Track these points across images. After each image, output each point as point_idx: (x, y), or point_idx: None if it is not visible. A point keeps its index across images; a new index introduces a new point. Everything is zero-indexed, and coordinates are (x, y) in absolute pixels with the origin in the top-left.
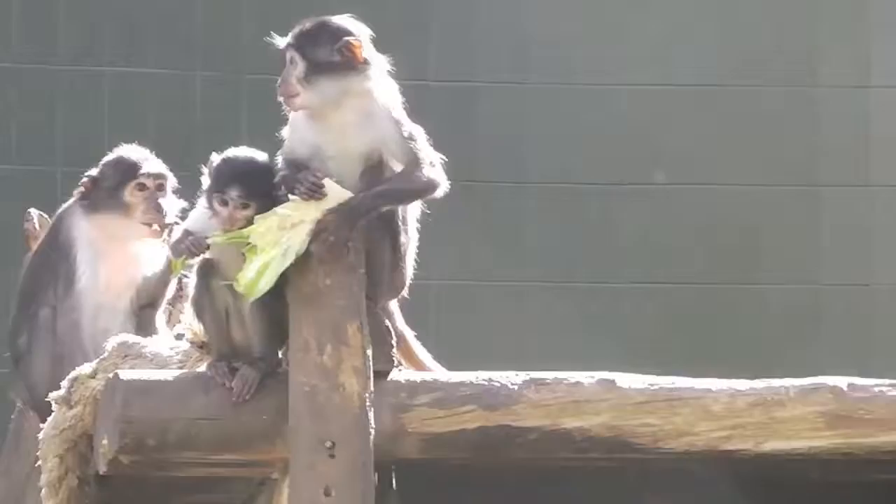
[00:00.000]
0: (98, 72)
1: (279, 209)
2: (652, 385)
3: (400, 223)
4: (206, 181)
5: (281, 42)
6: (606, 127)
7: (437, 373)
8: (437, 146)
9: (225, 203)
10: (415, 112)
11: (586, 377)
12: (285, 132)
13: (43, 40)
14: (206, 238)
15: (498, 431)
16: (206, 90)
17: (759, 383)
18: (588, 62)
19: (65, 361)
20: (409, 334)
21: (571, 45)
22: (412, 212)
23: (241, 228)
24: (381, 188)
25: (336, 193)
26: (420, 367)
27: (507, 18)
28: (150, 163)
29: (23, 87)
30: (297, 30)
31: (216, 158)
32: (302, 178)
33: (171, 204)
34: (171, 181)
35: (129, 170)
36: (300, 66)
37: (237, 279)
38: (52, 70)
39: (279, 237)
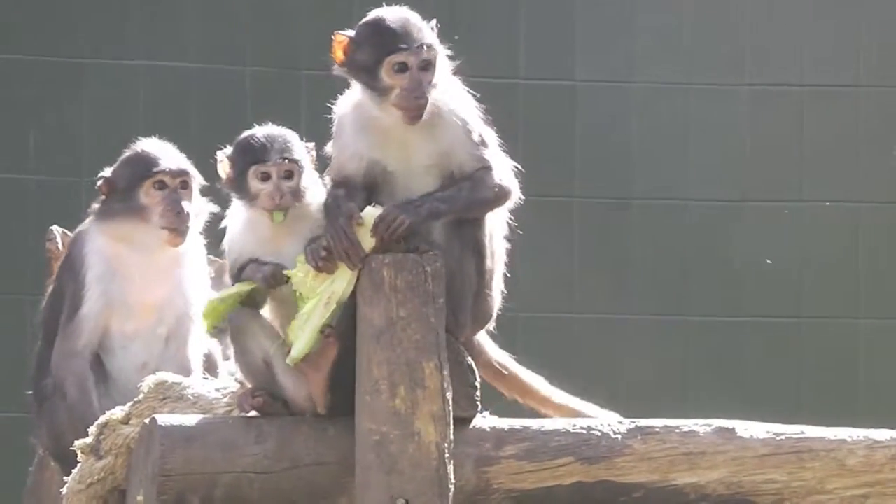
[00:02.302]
0: (130, 66)
1: None
2: (777, 435)
3: (486, 243)
4: (226, 178)
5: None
6: (726, 133)
7: (529, 420)
8: (527, 155)
9: (266, 176)
10: (501, 116)
11: (701, 425)
12: (330, 147)
13: (64, 28)
14: (285, 270)
15: (597, 488)
16: (257, 87)
17: None
18: (705, 58)
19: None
20: (509, 361)
21: (686, 37)
22: (499, 230)
23: (284, 215)
24: (445, 192)
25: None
26: (532, 395)
27: (610, 5)
28: (170, 157)
29: (41, 83)
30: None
31: (226, 150)
32: (332, 241)
33: (199, 207)
34: (198, 179)
35: (144, 166)
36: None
37: (287, 332)
38: (76, 64)
39: (317, 284)
